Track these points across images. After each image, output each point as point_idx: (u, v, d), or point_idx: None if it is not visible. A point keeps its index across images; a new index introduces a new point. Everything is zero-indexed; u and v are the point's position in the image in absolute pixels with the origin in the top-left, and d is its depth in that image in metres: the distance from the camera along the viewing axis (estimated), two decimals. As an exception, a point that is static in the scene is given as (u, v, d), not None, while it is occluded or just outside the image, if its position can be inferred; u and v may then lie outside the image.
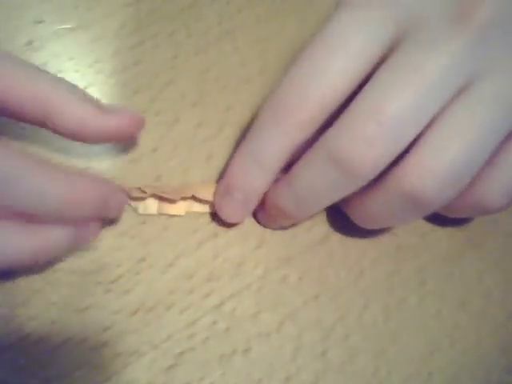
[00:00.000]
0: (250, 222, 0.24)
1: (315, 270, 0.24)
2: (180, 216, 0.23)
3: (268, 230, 0.24)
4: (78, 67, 0.25)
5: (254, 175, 0.21)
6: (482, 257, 0.25)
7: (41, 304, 0.21)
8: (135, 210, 0.23)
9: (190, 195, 0.23)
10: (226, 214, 0.23)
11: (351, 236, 0.24)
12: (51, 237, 0.19)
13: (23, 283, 0.21)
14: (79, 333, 0.21)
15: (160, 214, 0.23)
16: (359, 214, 0.22)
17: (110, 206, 0.20)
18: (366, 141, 0.18)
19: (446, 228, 0.25)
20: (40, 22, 0.25)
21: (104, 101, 0.25)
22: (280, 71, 0.27)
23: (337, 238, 0.24)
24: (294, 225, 0.24)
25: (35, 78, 0.19)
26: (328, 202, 0.21)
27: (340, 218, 0.24)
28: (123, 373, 0.21)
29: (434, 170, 0.18)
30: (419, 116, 0.18)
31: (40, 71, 0.20)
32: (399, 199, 0.19)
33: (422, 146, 0.19)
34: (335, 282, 0.24)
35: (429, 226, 0.25)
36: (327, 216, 0.25)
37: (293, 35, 0.28)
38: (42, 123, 0.20)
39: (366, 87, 0.19)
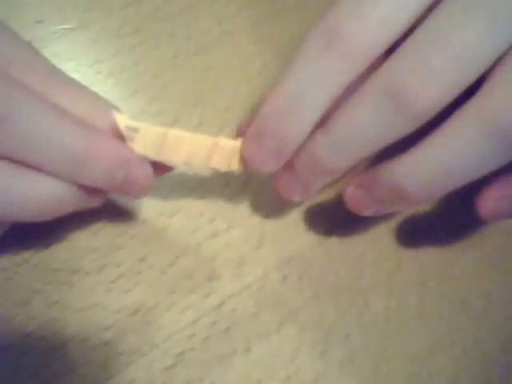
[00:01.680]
0: (250, 221, 0.24)
1: (315, 270, 0.24)
2: (180, 214, 0.23)
3: (268, 230, 0.24)
4: (78, 67, 0.25)
5: (292, 121, 0.19)
6: (481, 257, 0.25)
7: (41, 304, 0.21)
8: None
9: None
10: (256, 161, 0.20)
11: (351, 236, 0.24)
12: (57, 188, 0.18)
13: (23, 283, 0.21)
14: (79, 333, 0.21)
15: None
16: (412, 178, 0.19)
17: (130, 180, 0.18)
18: (429, 73, 0.17)
19: (446, 228, 0.25)
20: (40, 22, 0.25)
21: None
22: (280, 71, 0.27)
23: (337, 237, 0.24)
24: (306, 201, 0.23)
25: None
26: (372, 149, 0.19)
27: (340, 217, 0.24)
28: (123, 372, 0.21)
29: None
30: (489, 50, 0.17)
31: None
32: (484, 136, 0.17)
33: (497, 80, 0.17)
34: (335, 282, 0.24)
35: (429, 226, 0.25)
36: (327, 216, 0.25)
37: (293, 35, 0.28)
38: None
39: (430, 18, 0.18)
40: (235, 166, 0.21)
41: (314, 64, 0.18)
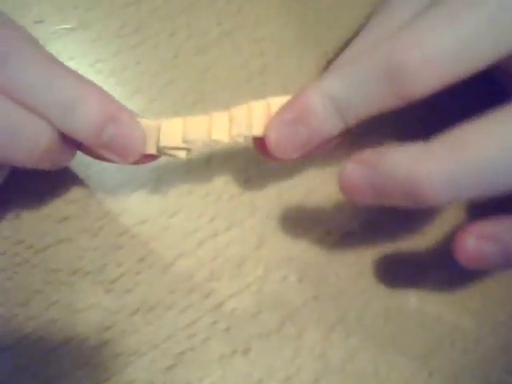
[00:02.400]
0: (250, 221, 0.24)
1: (315, 270, 0.24)
2: (180, 214, 0.23)
3: (268, 230, 0.24)
4: (78, 67, 0.25)
5: (331, 120, 0.19)
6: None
7: (41, 304, 0.21)
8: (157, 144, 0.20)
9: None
10: (280, 146, 0.20)
11: (351, 236, 0.24)
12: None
13: (23, 283, 0.21)
14: (79, 333, 0.21)
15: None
16: None
17: (118, 138, 0.18)
18: (424, 57, 0.17)
19: (445, 228, 0.25)
20: (40, 22, 0.25)
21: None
22: (280, 71, 0.27)
23: (337, 237, 0.24)
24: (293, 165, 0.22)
25: None
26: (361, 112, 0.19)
27: (340, 217, 0.24)
28: (123, 373, 0.21)
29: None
30: (487, 47, 0.17)
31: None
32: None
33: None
34: (335, 282, 0.24)
35: (428, 226, 0.25)
36: (327, 216, 0.25)
37: (293, 35, 0.28)
38: None
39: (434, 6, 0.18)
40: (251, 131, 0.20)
41: (370, 82, 0.18)
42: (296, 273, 0.23)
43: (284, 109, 0.20)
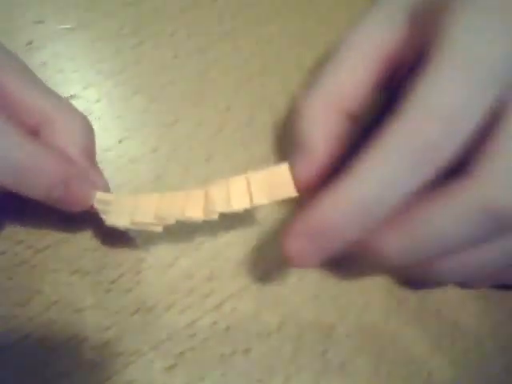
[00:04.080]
0: (250, 221, 0.24)
1: (315, 269, 0.24)
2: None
3: (268, 230, 0.24)
4: (78, 67, 0.25)
5: (355, 227, 0.18)
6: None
7: (41, 304, 0.21)
8: (101, 217, 0.21)
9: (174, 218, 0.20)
10: (298, 258, 0.19)
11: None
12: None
13: (23, 283, 0.21)
14: (79, 333, 0.21)
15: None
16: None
17: (66, 196, 0.19)
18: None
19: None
20: (40, 22, 0.25)
21: (104, 101, 0.25)
22: (280, 71, 0.27)
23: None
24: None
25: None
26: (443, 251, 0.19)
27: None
28: (123, 373, 0.21)
29: None
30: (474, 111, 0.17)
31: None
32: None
33: None
34: (335, 282, 0.24)
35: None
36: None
37: (293, 35, 0.28)
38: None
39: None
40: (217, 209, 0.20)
41: (403, 168, 0.17)
42: (296, 273, 0.23)
43: (303, 224, 0.18)
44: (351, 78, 0.21)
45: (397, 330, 0.23)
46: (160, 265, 0.23)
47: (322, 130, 0.20)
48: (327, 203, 0.18)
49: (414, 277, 0.22)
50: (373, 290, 0.24)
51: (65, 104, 0.21)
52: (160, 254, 0.23)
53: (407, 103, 0.17)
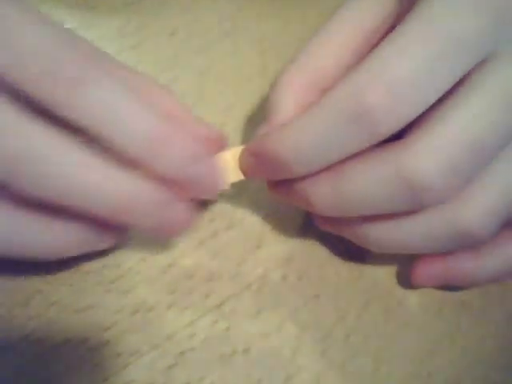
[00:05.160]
0: (250, 221, 0.24)
1: (315, 270, 0.24)
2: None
3: (268, 230, 0.24)
4: (78, 67, 0.25)
5: (292, 166, 0.19)
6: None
7: (41, 304, 0.21)
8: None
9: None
10: (248, 171, 0.21)
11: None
12: (66, 235, 0.18)
13: (23, 283, 0.21)
14: (79, 333, 0.21)
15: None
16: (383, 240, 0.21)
17: (199, 177, 0.19)
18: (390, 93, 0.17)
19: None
20: (40, 22, 0.25)
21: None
22: (280, 71, 0.27)
23: (337, 237, 0.24)
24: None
25: None
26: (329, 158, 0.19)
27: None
28: (123, 373, 0.21)
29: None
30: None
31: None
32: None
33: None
34: (335, 282, 0.24)
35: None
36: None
37: (293, 35, 0.28)
38: None
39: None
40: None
41: (336, 126, 0.18)
42: (296, 273, 0.23)
43: (250, 154, 0.21)
44: (335, 61, 0.21)
45: (397, 330, 0.23)
46: (160, 265, 0.23)
47: (295, 102, 0.21)
48: (274, 137, 0.19)
49: (351, 238, 0.22)
50: (373, 290, 0.24)
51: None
52: (160, 254, 0.23)
53: (357, 66, 0.18)
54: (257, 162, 0.20)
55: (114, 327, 0.21)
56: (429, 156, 0.17)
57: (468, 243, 0.19)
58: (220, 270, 0.23)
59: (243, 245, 0.24)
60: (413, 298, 0.24)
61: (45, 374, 0.20)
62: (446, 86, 0.17)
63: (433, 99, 0.17)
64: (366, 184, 0.18)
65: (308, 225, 0.24)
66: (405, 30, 0.17)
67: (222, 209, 0.24)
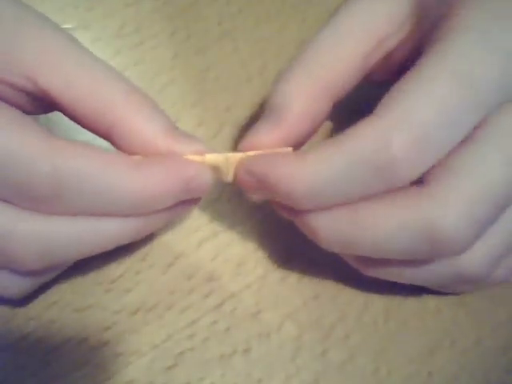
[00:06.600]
0: (250, 221, 0.24)
1: (315, 270, 0.24)
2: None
3: (268, 230, 0.24)
4: (78, 67, 0.25)
5: (298, 200, 0.18)
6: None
7: (41, 304, 0.21)
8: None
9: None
10: (243, 185, 0.20)
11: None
12: (114, 230, 0.18)
13: (23, 283, 0.21)
14: (79, 333, 0.21)
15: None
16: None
17: (192, 188, 0.18)
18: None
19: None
20: (40, 22, 0.25)
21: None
22: (280, 71, 0.27)
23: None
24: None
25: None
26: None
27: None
28: (123, 373, 0.21)
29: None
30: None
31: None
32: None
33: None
34: (335, 282, 0.24)
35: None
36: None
37: (293, 35, 0.28)
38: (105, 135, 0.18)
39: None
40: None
41: (357, 172, 0.17)
42: (296, 273, 0.23)
43: (251, 174, 0.19)
44: (346, 66, 0.20)
45: (397, 330, 0.23)
46: (160, 265, 0.23)
47: (304, 108, 0.20)
48: (286, 171, 0.18)
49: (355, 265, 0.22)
50: (373, 290, 0.24)
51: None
52: (160, 253, 0.23)
53: (380, 106, 0.17)
54: (259, 186, 0.19)
55: (113, 327, 0.21)
56: (454, 209, 0.17)
57: (469, 284, 0.20)
58: (220, 270, 0.23)
59: (243, 245, 0.24)
60: (413, 298, 0.24)
61: (45, 373, 0.20)
62: (468, 132, 0.17)
63: (455, 144, 0.17)
64: (383, 227, 0.17)
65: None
66: (430, 76, 0.17)
67: (222, 209, 0.24)
